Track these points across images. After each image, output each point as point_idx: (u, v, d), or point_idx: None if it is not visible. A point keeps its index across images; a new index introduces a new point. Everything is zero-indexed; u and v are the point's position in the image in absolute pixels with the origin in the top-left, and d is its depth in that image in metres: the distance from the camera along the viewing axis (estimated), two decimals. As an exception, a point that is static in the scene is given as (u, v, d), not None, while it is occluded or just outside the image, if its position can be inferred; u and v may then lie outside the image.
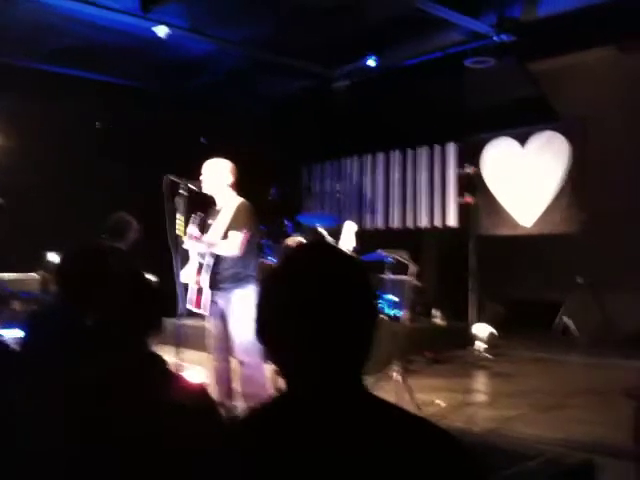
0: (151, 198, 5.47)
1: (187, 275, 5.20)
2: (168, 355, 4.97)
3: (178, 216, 5.19)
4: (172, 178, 5.25)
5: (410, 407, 5.20)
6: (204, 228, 5.24)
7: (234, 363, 5.21)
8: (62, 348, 2.57)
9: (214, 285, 5.08)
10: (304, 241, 7.38)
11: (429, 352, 7.84)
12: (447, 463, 1.21)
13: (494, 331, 8.25)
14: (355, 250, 7.79)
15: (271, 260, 7.52)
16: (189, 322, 7.43)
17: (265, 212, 5.49)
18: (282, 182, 9.12)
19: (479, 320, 8.85)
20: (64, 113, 8.30)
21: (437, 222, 10.14)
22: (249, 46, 8.08)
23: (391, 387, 5.38)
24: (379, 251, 7.26)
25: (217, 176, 5.18)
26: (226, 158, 5.27)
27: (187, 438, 1.74)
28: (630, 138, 8.70)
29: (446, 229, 10.11)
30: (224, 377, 5.20)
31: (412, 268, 6.05)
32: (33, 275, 7.14)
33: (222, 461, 1.28)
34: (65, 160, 8.42)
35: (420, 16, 6.99)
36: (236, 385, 5.23)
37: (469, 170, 9.46)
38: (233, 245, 5.00)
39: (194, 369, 6.19)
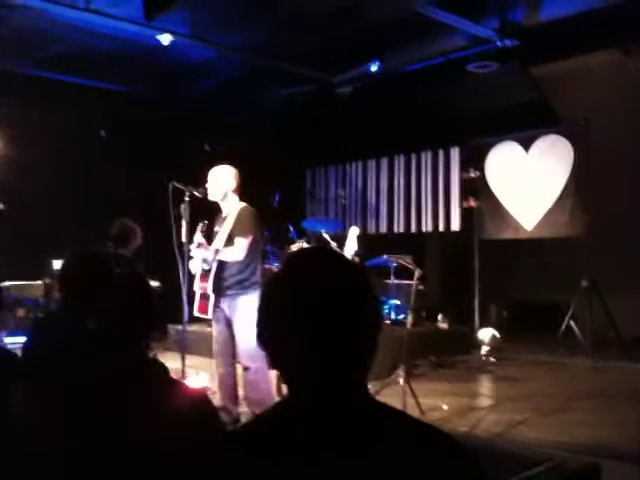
0: (154, 205, 5.49)
1: (196, 282, 5.23)
2: (173, 361, 5.00)
3: (182, 223, 5.21)
4: (176, 185, 5.27)
5: (415, 411, 5.20)
6: (210, 236, 5.25)
7: (239, 369, 5.22)
8: (65, 353, 2.58)
9: (219, 291, 5.09)
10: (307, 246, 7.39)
11: (433, 356, 7.84)
12: (451, 467, 1.22)
13: (498, 335, 8.24)
14: (358, 254, 7.81)
15: (275, 266, 7.53)
16: (194, 328, 7.46)
17: (269, 218, 5.50)
18: (285, 187, 9.12)
19: (483, 324, 8.85)
20: (66, 120, 8.31)
21: (441, 226, 10.14)
22: (251, 52, 8.10)
23: (396, 391, 5.39)
24: (383, 256, 7.27)
25: (221, 182, 5.19)
26: (229, 164, 5.28)
27: (186, 444, 1.74)
28: (633, 141, 8.71)
29: (450, 233, 10.11)
30: (228, 382, 5.20)
31: (416, 272, 6.04)
32: (37, 282, 7.17)
33: (223, 467, 1.28)
34: (68, 167, 8.44)
35: (422, 21, 6.99)
36: (241, 391, 5.24)
37: (473, 174, 9.46)
38: (237, 251, 5.01)
39: (198, 375, 6.20)
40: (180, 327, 5.34)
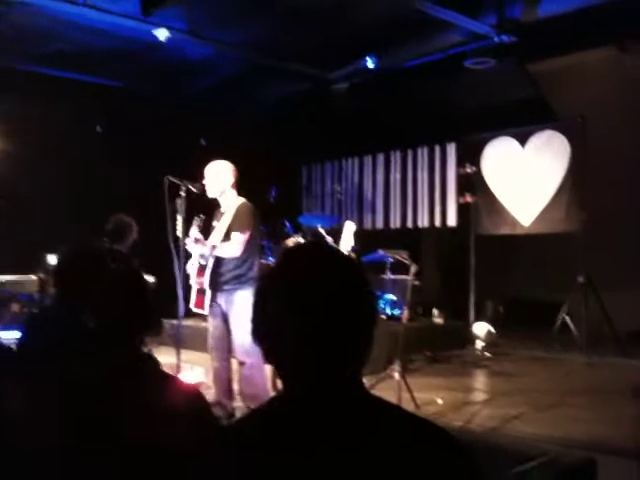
0: (150, 200, 5.48)
1: (192, 277, 5.22)
2: (168, 356, 4.99)
3: (178, 217, 5.20)
4: (172, 179, 5.26)
5: (410, 406, 5.21)
6: (208, 230, 5.25)
7: (234, 364, 5.22)
8: (59, 348, 2.57)
9: (216, 286, 5.09)
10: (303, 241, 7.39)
11: (429, 351, 7.85)
12: (445, 461, 1.22)
13: (493, 330, 8.26)
14: (354, 250, 7.80)
15: (271, 261, 7.54)
16: (189, 323, 7.47)
17: (265, 213, 5.49)
18: (282, 183, 9.11)
19: (479, 319, 8.86)
20: (63, 116, 8.30)
21: (437, 222, 10.15)
22: (248, 49, 8.08)
23: (391, 386, 5.39)
24: (379, 251, 7.28)
25: (219, 178, 5.18)
26: (226, 160, 5.27)
27: (179, 439, 1.74)
28: (630, 138, 8.71)
29: (446, 229, 10.13)
30: (223, 377, 5.21)
31: (412, 268, 6.05)
32: (32, 277, 7.16)
33: (218, 462, 1.28)
34: (64, 162, 8.42)
35: (420, 17, 6.98)
36: (236, 385, 5.24)
37: (469, 170, 9.47)
38: (234, 246, 5.01)
39: (194, 370, 6.20)
40: (175, 322, 5.33)
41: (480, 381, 7.28)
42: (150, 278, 6.20)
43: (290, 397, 1.30)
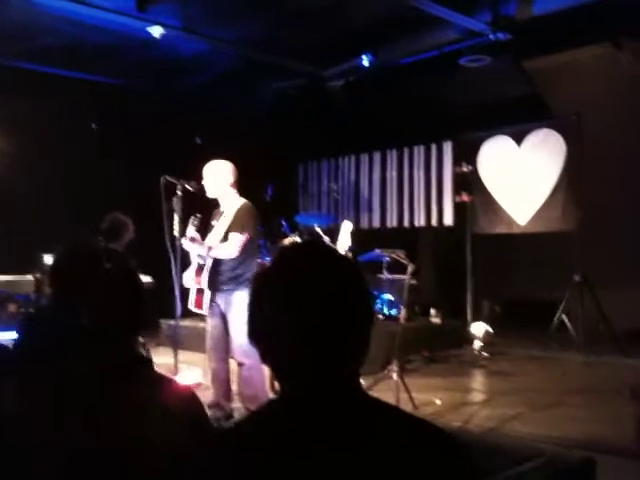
0: (146, 198, 5.46)
1: (188, 278, 5.19)
2: (166, 356, 4.98)
3: (175, 217, 5.18)
4: (168, 179, 5.24)
5: (408, 406, 5.20)
6: (205, 229, 5.22)
7: (232, 364, 5.20)
8: (56, 349, 2.56)
9: (214, 286, 5.06)
10: (299, 241, 7.38)
11: (426, 351, 7.85)
12: (444, 462, 1.21)
13: (491, 329, 8.25)
14: (351, 249, 7.80)
15: (268, 260, 7.52)
16: (187, 323, 7.45)
17: (261, 212, 5.47)
18: (278, 182, 9.09)
19: (476, 319, 8.85)
20: (57, 113, 8.27)
21: (434, 221, 10.15)
22: (243, 46, 8.07)
23: (389, 386, 5.39)
24: (376, 250, 7.26)
25: (218, 178, 5.14)
26: (221, 158, 5.23)
27: (172, 441, 1.73)
28: (625, 135, 8.71)
29: (443, 228, 10.12)
30: (221, 378, 5.19)
31: (409, 267, 6.04)
32: (28, 277, 7.13)
33: (215, 465, 1.27)
34: (59, 161, 8.40)
35: (415, 14, 6.98)
36: (234, 387, 5.22)
37: (465, 168, 9.46)
38: (231, 247, 4.98)
39: (191, 370, 6.18)
40: (173, 322, 5.32)
41: (478, 381, 7.28)
42: (147, 278, 6.19)
43: (287, 398, 1.29)
